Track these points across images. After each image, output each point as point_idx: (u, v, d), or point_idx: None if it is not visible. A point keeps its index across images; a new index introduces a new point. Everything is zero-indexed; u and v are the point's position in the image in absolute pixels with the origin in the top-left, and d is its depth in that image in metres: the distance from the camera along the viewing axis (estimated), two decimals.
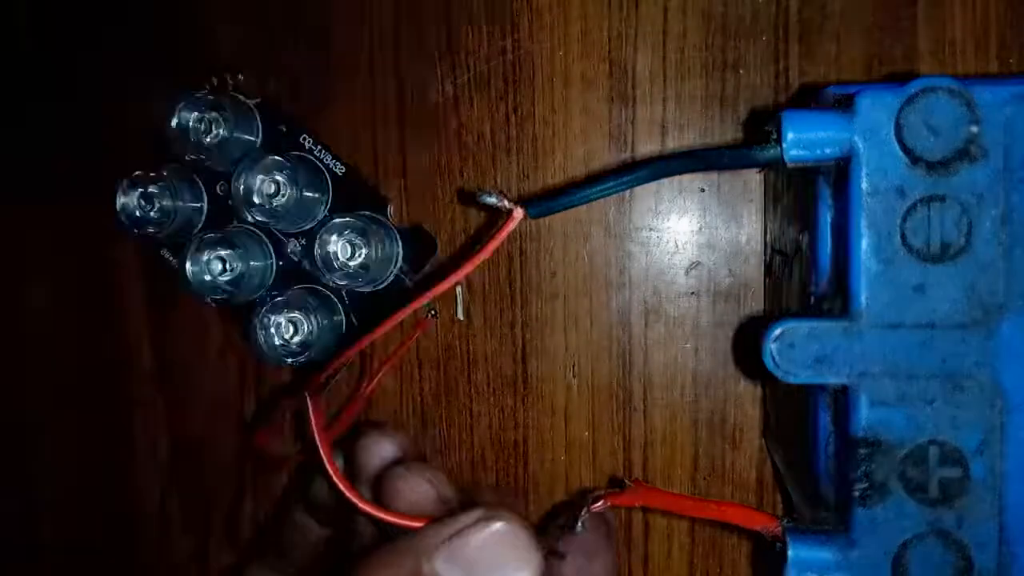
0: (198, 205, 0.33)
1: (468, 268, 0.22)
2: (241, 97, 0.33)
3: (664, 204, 0.32)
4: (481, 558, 0.20)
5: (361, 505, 0.22)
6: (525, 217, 0.22)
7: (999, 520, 0.20)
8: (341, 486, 0.22)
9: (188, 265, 0.32)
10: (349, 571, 0.21)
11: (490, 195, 0.21)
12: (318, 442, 0.23)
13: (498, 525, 0.21)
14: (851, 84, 0.22)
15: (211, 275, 0.32)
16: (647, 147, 0.32)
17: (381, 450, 0.25)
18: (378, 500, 0.23)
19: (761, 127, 0.22)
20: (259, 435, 0.27)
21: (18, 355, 0.36)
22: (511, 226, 0.21)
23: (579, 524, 0.23)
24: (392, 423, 0.34)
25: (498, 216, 0.22)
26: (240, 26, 0.34)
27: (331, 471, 0.22)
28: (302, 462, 0.33)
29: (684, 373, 0.32)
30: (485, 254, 0.22)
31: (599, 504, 0.23)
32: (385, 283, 0.33)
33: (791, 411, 0.26)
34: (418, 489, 0.23)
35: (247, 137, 0.33)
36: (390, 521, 0.22)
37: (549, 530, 0.26)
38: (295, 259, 0.33)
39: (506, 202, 0.22)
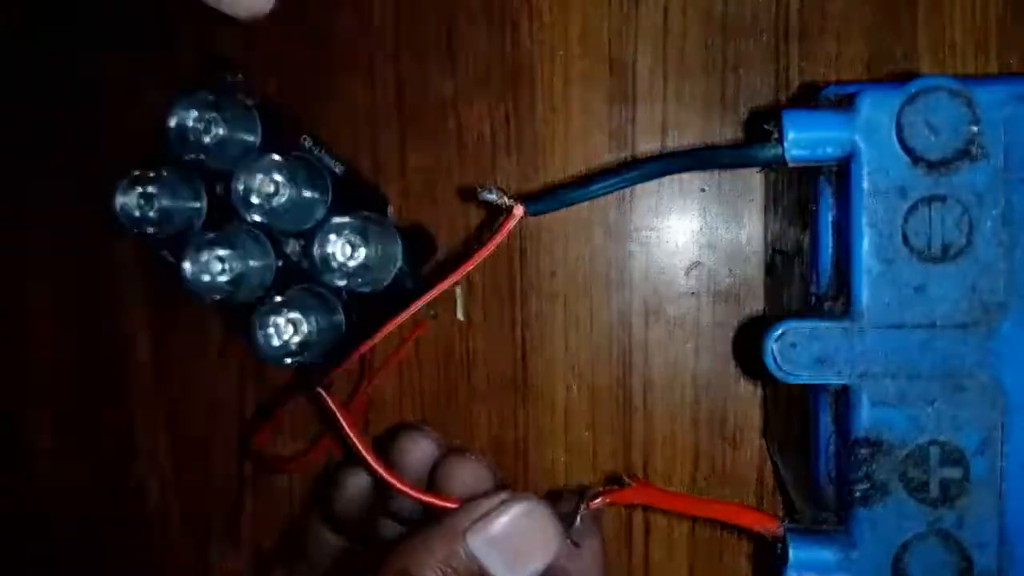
0: (198, 205, 0.33)
1: (469, 265, 0.22)
2: (241, 97, 0.33)
3: (664, 204, 0.32)
4: (508, 537, 0.22)
5: (399, 485, 0.23)
6: (525, 214, 0.22)
7: (999, 520, 0.20)
8: (376, 466, 0.23)
9: (188, 265, 0.32)
10: (390, 554, 0.22)
11: (490, 192, 0.21)
12: (347, 430, 0.23)
13: (522, 505, 0.23)
14: (851, 84, 0.22)
15: (211, 275, 0.32)
16: (647, 147, 0.32)
17: (421, 448, 0.26)
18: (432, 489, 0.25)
19: (761, 127, 0.22)
20: (258, 437, 0.28)
21: (18, 355, 0.36)
22: (511, 223, 0.22)
23: (577, 520, 0.23)
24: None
25: (498, 214, 0.22)
26: (240, 25, 0.34)
27: (364, 454, 0.23)
28: (320, 474, 0.34)
29: (684, 373, 0.32)
30: (486, 251, 0.22)
31: (597, 501, 0.23)
32: (385, 283, 0.33)
33: (791, 411, 0.26)
34: (477, 473, 0.25)
35: (247, 137, 0.33)
36: (425, 501, 0.24)
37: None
38: (295, 259, 0.33)
39: (506, 199, 0.22)
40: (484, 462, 0.25)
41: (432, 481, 0.25)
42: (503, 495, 0.23)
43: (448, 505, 0.23)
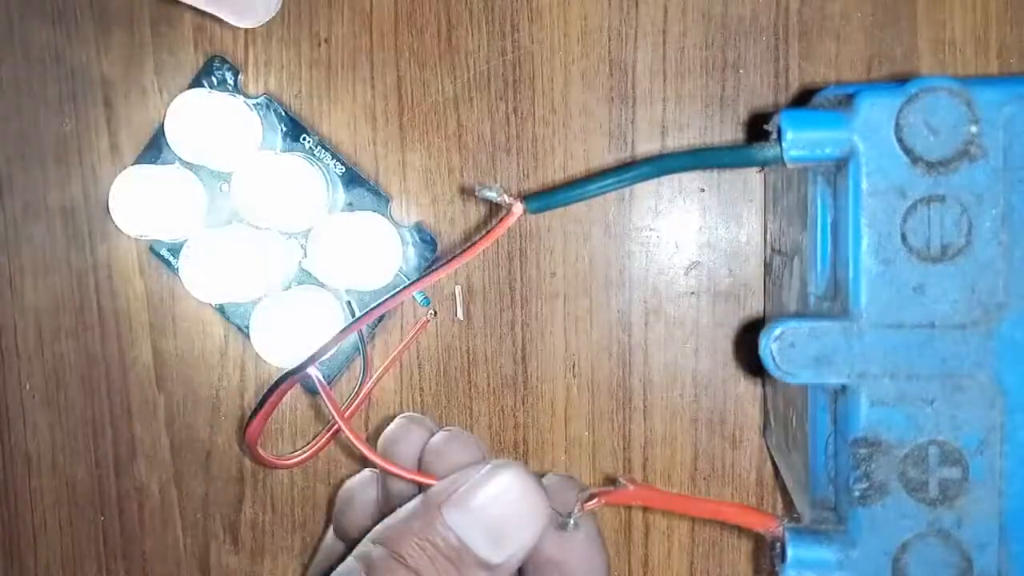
0: (198, 205, 0.33)
1: (467, 256, 0.22)
2: (241, 97, 0.33)
3: (664, 204, 0.32)
4: (488, 509, 0.21)
5: (379, 460, 0.23)
6: (524, 212, 0.22)
7: (999, 520, 0.20)
8: (356, 441, 0.23)
9: (188, 265, 0.32)
10: (372, 531, 0.21)
11: (490, 190, 0.21)
12: (331, 406, 0.23)
13: (504, 477, 0.21)
14: (851, 84, 0.22)
15: (211, 275, 0.32)
16: (647, 147, 0.32)
17: (413, 435, 0.25)
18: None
19: (761, 127, 0.22)
20: (251, 432, 0.27)
21: (18, 355, 0.36)
22: (511, 220, 0.22)
23: (571, 523, 0.22)
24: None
25: (498, 214, 0.22)
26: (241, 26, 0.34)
27: (347, 430, 0.23)
28: (331, 492, 0.34)
29: (684, 373, 0.32)
30: (484, 243, 0.22)
31: (592, 503, 0.22)
32: (385, 283, 0.33)
33: (791, 411, 0.26)
34: (464, 448, 0.24)
35: (247, 137, 0.33)
36: (404, 477, 0.23)
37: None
38: (295, 259, 0.33)
39: (506, 197, 0.22)
40: (472, 438, 0.24)
41: (422, 463, 0.25)
42: (482, 466, 0.22)
43: (428, 481, 0.22)
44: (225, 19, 0.31)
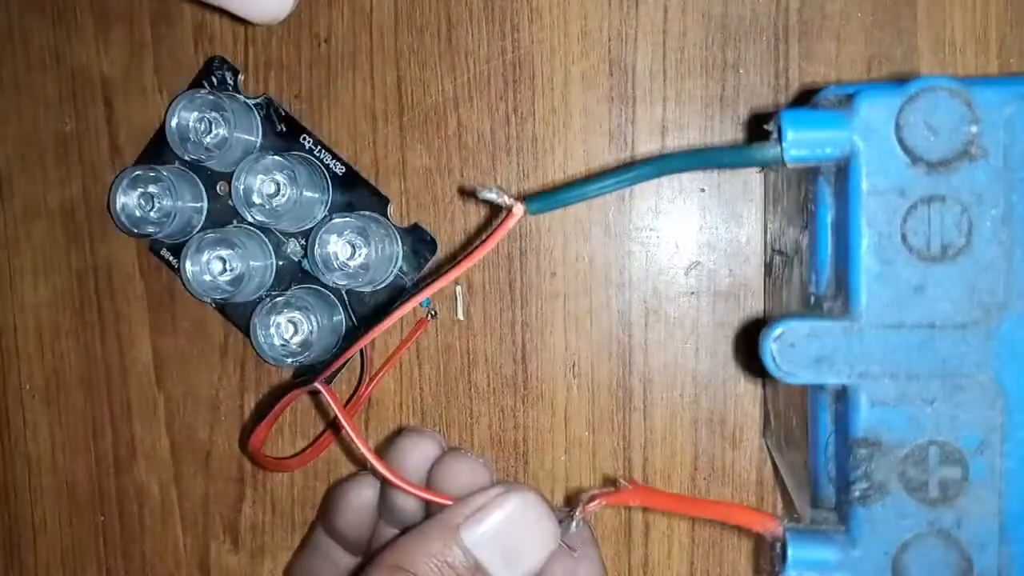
0: (198, 205, 0.33)
1: (469, 263, 0.22)
2: (241, 97, 0.33)
3: (664, 204, 0.32)
4: (503, 531, 0.22)
5: (393, 478, 0.23)
6: (525, 213, 0.22)
7: (999, 520, 0.20)
8: (372, 458, 0.23)
9: (188, 265, 0.32)
10: (384, 550, 0.22)
11: (490, 191, 0.21)
12: (345, 423, 0.23)
13: (517, 500, 0.22)
14: (851, 84, 0.22)
15: (211, 275, 0.32)
16: (647, 147, 0.32)
17: (422, 449, 0.26)
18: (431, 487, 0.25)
19: (761, 127, 0.22)
20: (255, 437, 0.27)
21: (18, 355, 0.36)
22: (511, 222, 0.21)
23: (574, 524, 0.22)
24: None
25: (498, 214, 0.22)
26: (241, 26, 0.34)
27: (362, 446, 0.23)
28: (325, 489, 0.34)
29: (684, 373, 0.32)
30: (485, 249, 0.22)
31: (594, 504, 0.22)
32: (385, 283, 0.33)
33: (791, 411, 0.26)
34: (473, 470, 0.24)
35: (247, 137, 0.33)
36: (420, 495, 0.23)
37: None
38: (295, 259, 0.33)
39: (506, 198, 0.22)
40: (481, 459, 0.25)
41: (430, 480, 0.25)
42: (498, 489, 0.23)
43: (443, 501, 0.23)
44: (243, 16, 0.30)
